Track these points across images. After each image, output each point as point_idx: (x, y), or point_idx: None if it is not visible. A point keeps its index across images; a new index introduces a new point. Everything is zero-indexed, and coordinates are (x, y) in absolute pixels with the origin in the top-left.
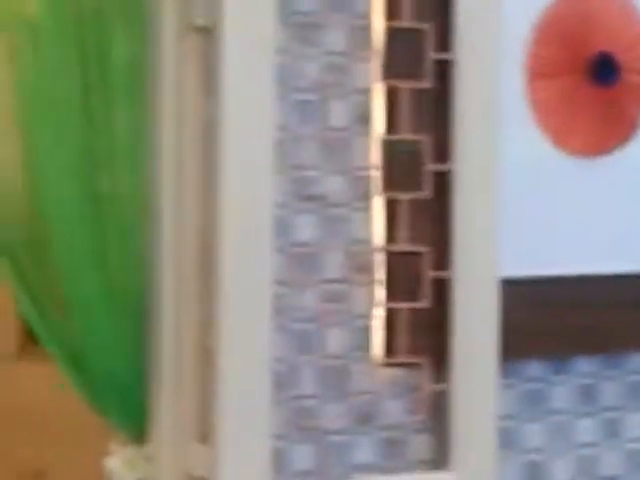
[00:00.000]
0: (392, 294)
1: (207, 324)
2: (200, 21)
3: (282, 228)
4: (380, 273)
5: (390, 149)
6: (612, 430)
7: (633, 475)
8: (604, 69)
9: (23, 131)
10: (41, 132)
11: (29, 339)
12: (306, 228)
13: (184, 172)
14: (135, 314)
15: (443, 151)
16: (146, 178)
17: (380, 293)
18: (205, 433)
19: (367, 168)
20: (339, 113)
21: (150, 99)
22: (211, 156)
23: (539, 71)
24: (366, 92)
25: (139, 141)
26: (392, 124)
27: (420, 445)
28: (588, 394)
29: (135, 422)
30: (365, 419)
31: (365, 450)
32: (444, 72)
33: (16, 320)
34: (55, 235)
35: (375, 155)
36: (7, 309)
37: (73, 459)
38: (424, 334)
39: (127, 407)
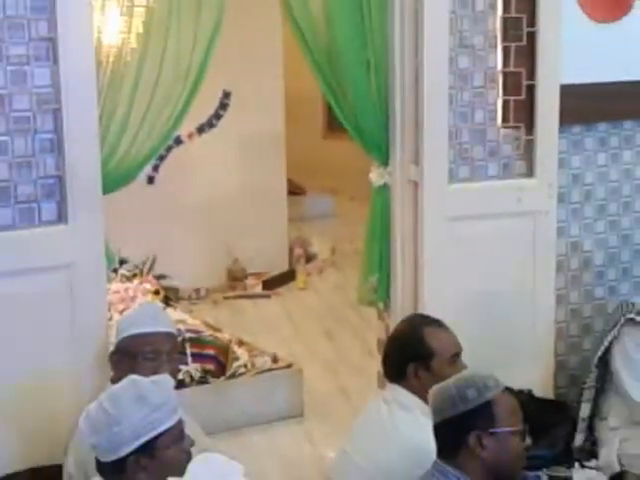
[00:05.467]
0: None
1: None
2: None
3: None
4: None
5: None
6: None
7: None
8: None
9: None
10: None
11: (330, 126)
12: None
13: None
14: (384, 101)
15: None
16: None
17: None
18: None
19: None
20: None
21: None
22: None
23: None
24: None
25: None
26: None
27: None
28: None
29: (383, 154)
30: None
31: None
32: None
33: (322, 116)
34: (341, 52)
35: None
36: (317, 108)
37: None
38: None
39: (379, 147)
